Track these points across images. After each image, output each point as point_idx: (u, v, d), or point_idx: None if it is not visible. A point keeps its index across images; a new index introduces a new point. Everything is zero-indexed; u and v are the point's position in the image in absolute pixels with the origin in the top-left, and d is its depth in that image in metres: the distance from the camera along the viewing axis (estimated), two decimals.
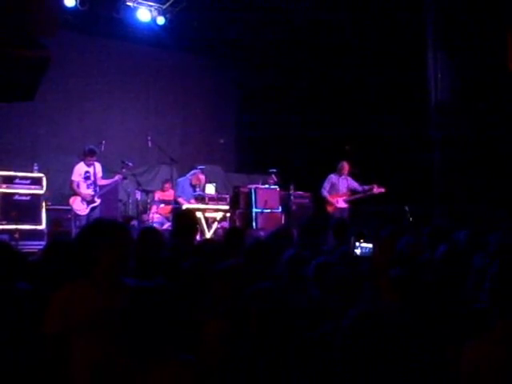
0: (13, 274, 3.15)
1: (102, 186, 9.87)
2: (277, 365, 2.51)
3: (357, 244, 3.37)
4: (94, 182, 9.78)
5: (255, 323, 2.63)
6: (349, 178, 10.81)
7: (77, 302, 2.96)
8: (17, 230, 9.63)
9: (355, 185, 10.81)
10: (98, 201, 9.76)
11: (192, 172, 10.70)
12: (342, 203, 10.70)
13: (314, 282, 3.45)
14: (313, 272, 3.54)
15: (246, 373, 2.52)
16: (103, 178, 10.04)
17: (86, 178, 9.79)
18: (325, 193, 10.75)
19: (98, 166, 9.91)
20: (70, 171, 9.88)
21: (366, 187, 10.70)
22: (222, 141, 12.32)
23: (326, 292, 3.28)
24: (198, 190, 10.78)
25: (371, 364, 2.05)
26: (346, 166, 10.79)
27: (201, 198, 10.56)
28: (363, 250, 3.33)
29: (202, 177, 10.61)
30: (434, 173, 11.00)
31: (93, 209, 9.71)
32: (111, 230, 3.09)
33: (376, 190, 10.53)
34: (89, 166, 9.76)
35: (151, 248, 4.56)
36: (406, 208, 10.42)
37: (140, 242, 4.64)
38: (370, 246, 3.29)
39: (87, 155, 9.71)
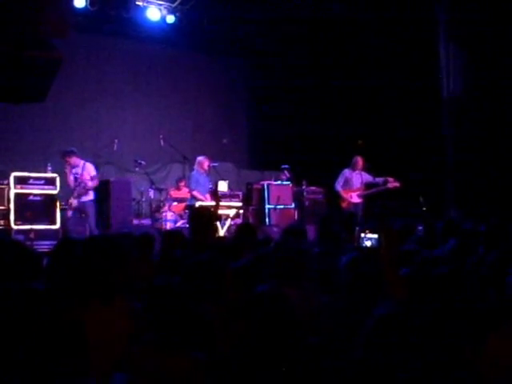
0: (27, 273, 3.17)
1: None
2: (281, 368, 2.51)
3: (362, 235, 3.36)
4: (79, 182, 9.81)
5: (256, 327, 2.63)
6: (363, 173, 10.74)
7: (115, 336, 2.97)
8: (31, 230, 9.70)
9: (369, 178, 10.75)
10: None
11: (198, 160, 10.61)
12: (355, 198, 10.66)
13: (344, 279, 3.38)
14: (344, 268, 3.46)
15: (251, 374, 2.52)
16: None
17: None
18: (339, 188, 10.71)
19: (86, 167, 9.86)
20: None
21: (381, 179, 10.63)
22: (224, 141, 12.31)
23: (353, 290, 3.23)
24: (211, 186, 10.79)
25: (394, 363, 2.04)
26: (359, 160, 10.72)
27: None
28: (372, 242, 3.31)
29: (206, 162, 10.55)
30: (446, 167, 10.95)
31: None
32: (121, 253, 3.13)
33: (391, 185, 10.46)
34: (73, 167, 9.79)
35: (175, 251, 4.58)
36: (421, 199, 10.39)
37: (164, 245, 4.68)
38: (376, 236, 3.27)
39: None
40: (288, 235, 5.17)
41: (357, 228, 3.58)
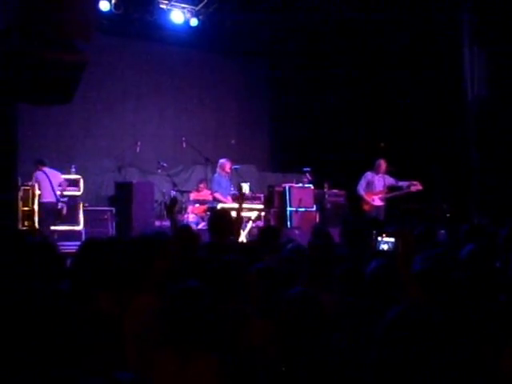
0: (56, 274, 3.21)
1: None
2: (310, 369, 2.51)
3: (379, 239, 3.34)
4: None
5: (289, 328, 2.63)
6: (386, 176, 10.67)
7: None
8: (55, 230, 9.82)
9: (392, 181, 10.68)
10: None
11: (220, 162, 10.66)
12: (378, 201, 10.59)
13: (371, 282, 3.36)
14: (372, 274, 3.44)
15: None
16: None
17: None
18: (361, 191, 10.65)
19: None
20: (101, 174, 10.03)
21: (405, 183, 10.55)
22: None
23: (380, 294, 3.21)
24: (232, 188, 10.80)
25: (409, 364, 2.03)
26: (382, 164, 10.64)
27: (235, 197, 10.59)
28: (389, 245, 3.29)
29: (228, 164, 10.59)
30: (471, 169, 10.86)
31: None
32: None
33: (413, 188, 10.38)
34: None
35: (187, 247, 4.57)
36: (445, 206, 10.35)
37: (176, 240, 4.66)
38: (393, 240, 3.25)
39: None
40: (317, 237, 5.16)
41: (373, 231, 3.54)
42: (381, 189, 10.64)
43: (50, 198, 9.94)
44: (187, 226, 5.19)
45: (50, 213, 10.01)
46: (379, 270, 3.30)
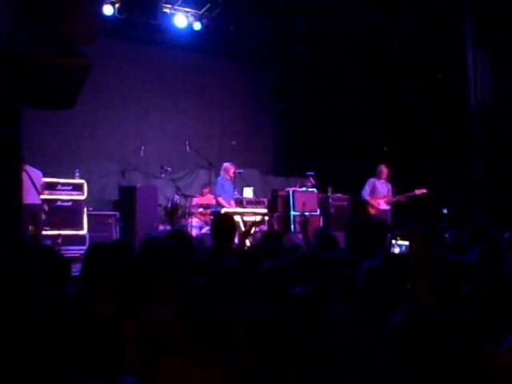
0: (60, 279, 3.21)
1: None
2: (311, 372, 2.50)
3: (393, 242, 3.34)
4: None
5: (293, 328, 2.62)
6: (388, 184, 10.74)
7: None
8: (59, 235, 9.82)
9: (391, 190, 10.76)
10: None
11: (224, 166, 10.69)
12: (383, 205, 10.62)
13: (363, 287, 3.37)
14: (362, 277, 3.45)
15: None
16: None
17: None
18: (366, 196, 10.68)
19: None
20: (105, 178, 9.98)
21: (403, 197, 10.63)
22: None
23: (372, 297, 3.21)
24: (236, 193, 10.81)
25: (414, 366, 2.03)
26: (384, 169, 10.70)
27: (239, 202, 10.60)
28: (402, 249, 3.30)
29: (232, 168, 10.61)
30: (474, 173, 10.85)
31: None
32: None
33: (418, 191, 10.41)
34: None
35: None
36: (445, 211, 10.36)
37: None
38: (407, 243, 3.26)
39: None
40: (319, 241, 5.17)
41: (388, 235, 3.54)
42: (385, 193, 10.67)
43: (34, 200, 9.14)
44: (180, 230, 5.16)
45: (36, 216, 9.30)
46: (369, 272, 3.31)
